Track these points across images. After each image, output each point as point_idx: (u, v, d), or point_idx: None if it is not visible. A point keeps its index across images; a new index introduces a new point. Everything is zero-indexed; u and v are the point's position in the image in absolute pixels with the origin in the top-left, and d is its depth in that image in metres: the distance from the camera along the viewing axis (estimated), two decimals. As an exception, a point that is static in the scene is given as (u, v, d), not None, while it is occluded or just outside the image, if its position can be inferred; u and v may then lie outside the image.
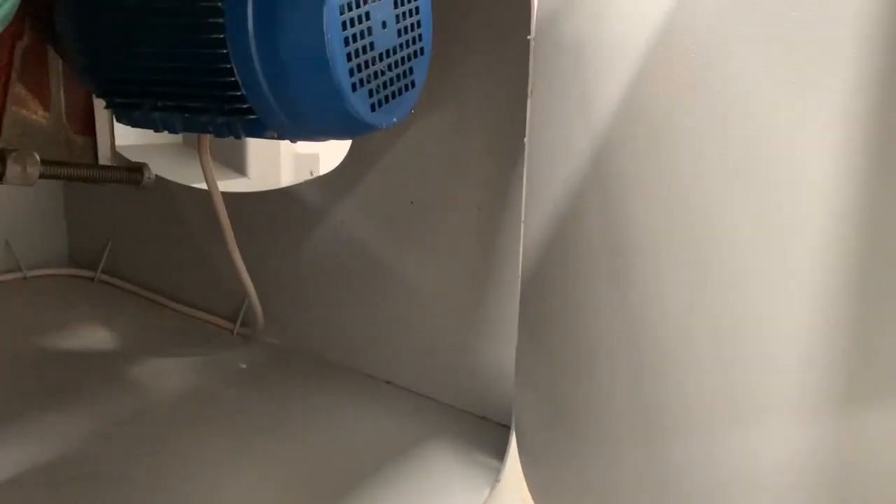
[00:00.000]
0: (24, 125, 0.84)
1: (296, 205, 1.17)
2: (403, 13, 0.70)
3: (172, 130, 0.75)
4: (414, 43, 0.72)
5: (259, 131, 0.70)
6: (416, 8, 0.72)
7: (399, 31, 0.69)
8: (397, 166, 1.06)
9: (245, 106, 0.67)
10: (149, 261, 1.38)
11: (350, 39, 0.63)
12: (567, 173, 0.81)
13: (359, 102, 0.65)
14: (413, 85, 0.73)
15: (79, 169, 0.87)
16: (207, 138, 0.99)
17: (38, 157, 0.80)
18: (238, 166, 1.57)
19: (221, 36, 0.63)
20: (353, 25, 0.63)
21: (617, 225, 0.75)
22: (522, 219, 0.85)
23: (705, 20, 0.65)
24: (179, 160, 1.47)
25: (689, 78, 0.65)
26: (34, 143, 0.83)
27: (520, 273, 0.86)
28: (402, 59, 0.71)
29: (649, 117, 0.69)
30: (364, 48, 0.65)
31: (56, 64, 0.86)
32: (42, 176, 0.81)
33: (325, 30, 0.60)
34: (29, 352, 1.13)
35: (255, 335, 1.23)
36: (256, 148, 1.53)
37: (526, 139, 0.86)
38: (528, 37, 0.84)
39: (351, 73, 0.63)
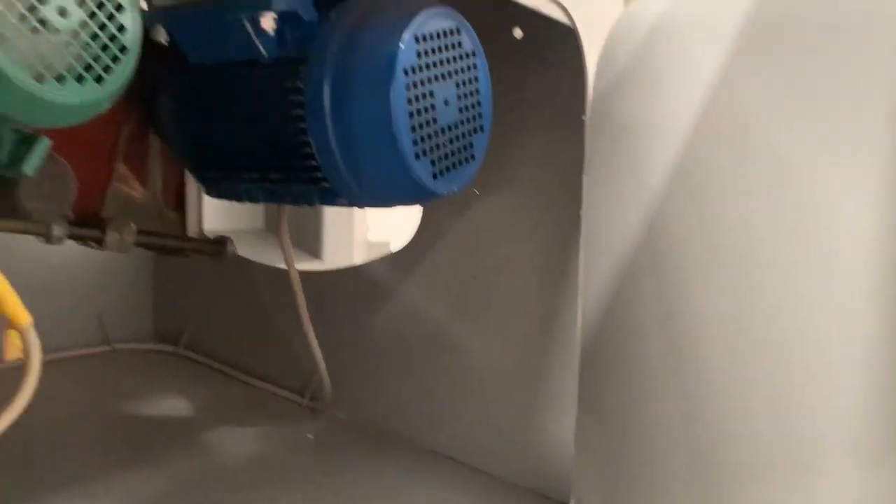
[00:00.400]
0: (124, 200, 0.94)
1: (365, 281, 1.23)
2: (465, 93, 0.76)
3: (254, 200, 0.83)
4: (474, 120, 0.78)
5: (332, 199, 0.77)
6: (477, 89, 0.78)
7: (460, 109, 0.76)
8: (460, 243, 1.11)
9: (320, 175, 0.73)
10: (227, 336, 1.45)
11: (414, 114, 0.69)
12: (621, 243, 0.84)
13: (422, 171, 0.71)
14: (473, 158, 0.79)
15: (169, 239, 0.95)
16: (286, 216, 1.07)
17: (134, 227, 0.88)
18: (314, 251, 1.65)
19: (301, 113, 0.71)
20: (417, 101, 0.69)
21: (670, 292, 0.77)
22: (580, 291, 0.88)
23: (748, 95, 0.69)
24: (260, 243, 1.57)
25: (733, 147, 0.69)
26: (132, 216, 0.92)
27: (579, 345, 0.88)
28: (463, 133, 0.77)
29: (696, 185, 0.72)
30: (427, 122, 0.71)
31: (156, 146, 0.96)
32: (136, 244, 0.90)
33: (391, 106, 0.67)
34: (113, 418, 1.20)
35: (323, 408, 1.27)
36: (331, 233, 1.61)
37: (582, 212, 0.90)
38: (583, 116, 0.89)
39: (415, 143, 0.69)
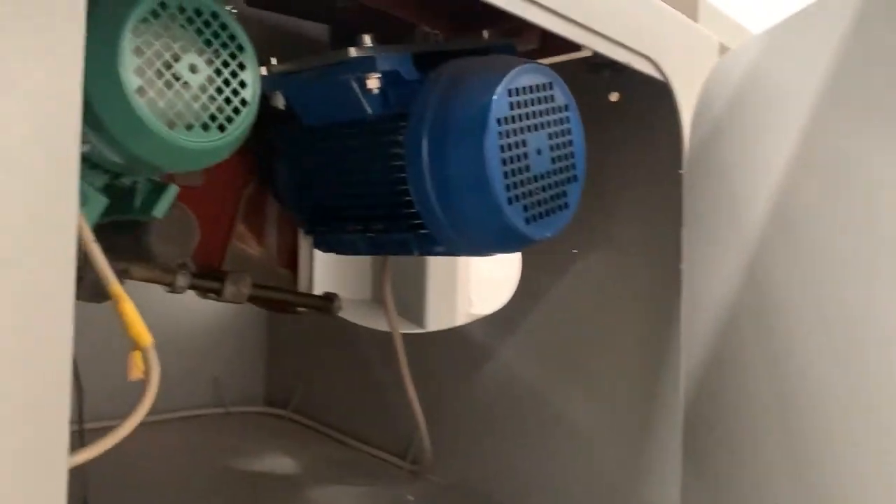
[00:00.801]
0: (242, 257, 1.01)
1: (465, 343, 1.25)
2: (558, 144, 0.79)
3: (358, 252, 0.87)
4: (567, 170, 0.80)
5: (429, 247, 0.80)
6: (570, 140, 0.81)
7: (553, 159, 0.78)
8: (559, 305, 1.12)
9: (418, 222, 0.77)
10: (333, 400, 1.49)
11: (507, 161, 0.72)
12: (722, 294, 0.83)
13: (514, 215, 0.73)
14: (567, 206, 0.81)
15: (281, 293, 1.01)
16: (389, 276, 1.11)
17: (249, 280, 0.94)
18: (418, 318, 1.69)
19: (402, 164, 0.76)
20: (510, 149, 0.73)
21: (773, 338, 0.75)
22: (682, 348, 0.86)
23: (844, 128, 0.68)
24: (366, 311, 1.62)
25: (831, 181, 0.67)
26: (248, 271, 0.99)
27: (682, 405, 0.86)
28: (557, 182, 0.79)
29: (794, 222, 0.71)
30: (520, 170, 0.74)
31: (272, 208, 1.04)
32: (251, 296, 0.96)
33: (485, 153, 0.71)
34: (221, 476, 1.25)
35: (423, 471, 1.27)
36: (435, 300, 1.65)
37: (682, 266, 0.89)
38: (680, 171, 0.90)
39: (507, 189, 0.72)
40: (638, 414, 1.00)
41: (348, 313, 1.41)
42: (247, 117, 0.64)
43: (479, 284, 1.71)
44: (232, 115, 0.63)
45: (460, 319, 1.61)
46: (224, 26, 0.63)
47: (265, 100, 0.84)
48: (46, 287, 0.43)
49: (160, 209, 0.68)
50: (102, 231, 0.77)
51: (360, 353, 1.44)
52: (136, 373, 0.57)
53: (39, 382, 0.42)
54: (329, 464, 1.35)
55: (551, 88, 0.78)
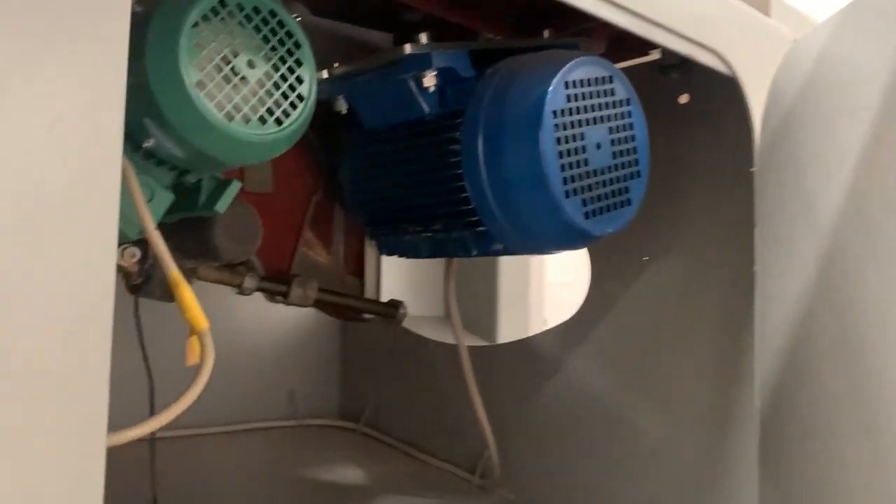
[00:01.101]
0: (310, 264, 1.03)
1: (533, 355, 1.23)
2: (619, 138, 0.77)
3: (419, 254, 0.88)
4: (629, 165, 0.78)
5: (487, 245, 0.80)
6: (632, 136, 0.79)
7: (614, 153, 0.77)
8: (629, 313, 1.09)
9: (475, 219, 0.77)
10: (404, 413, 1.49)
11: (565, 154, 0.71)
12: (797, 294, 0.78)
13: (573, 210, 0.72)
14: (629, 203, 0.78)
15: (347, 298, 1.02)
16: (453, 287, 1.11)
17: (316, 284, 0.96)
18: (489, 332, 1.68)
19: (458, 160, 0.76)
20: (566, 142, 0.72)
21: (850, 336, 0.70)
22: (756, 353, 0.82)
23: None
24: (437, 326, 1.63)
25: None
26: (315, 277, 1.00)
27: (758, 414, 0.82)
28: (618, 178, 0.77)
29: (871, 218, 0.66)
30: (578, 163, 0.73)
31: (340, 216, 1.06)
32: (317, 301, 0.97)
33: (540, 145, 0.70)
34: (290, 489, 1.26)
35: (492, 486, 1.25)
36: (506, 314, 1.64)
37: (756, 268, 0.85)
38: (752, 169, 0.86)
39: (564, 182, 0.71)
40: (712, 425, 0.95)
41: (420, 328, 1.42)
42: (303, 112, 0.65)
43: (549, 294, 1.69)
44: (289, 109, 0.65)
45: (531, 331, 1.59)
46: (282, 24, 0.65)
47: (329, 106, 0.86)
48: (88, 265, 0.44)
49: (223, 203, 0.70)
50: (171, 233, 0.80)
51: (431, 366, 1.44)
52: (192, 358, 0.58)
53: (78, 361, 0.43)
54: (398, 478, 1.34)
55: (611, 82, 0.77)
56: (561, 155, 0.71)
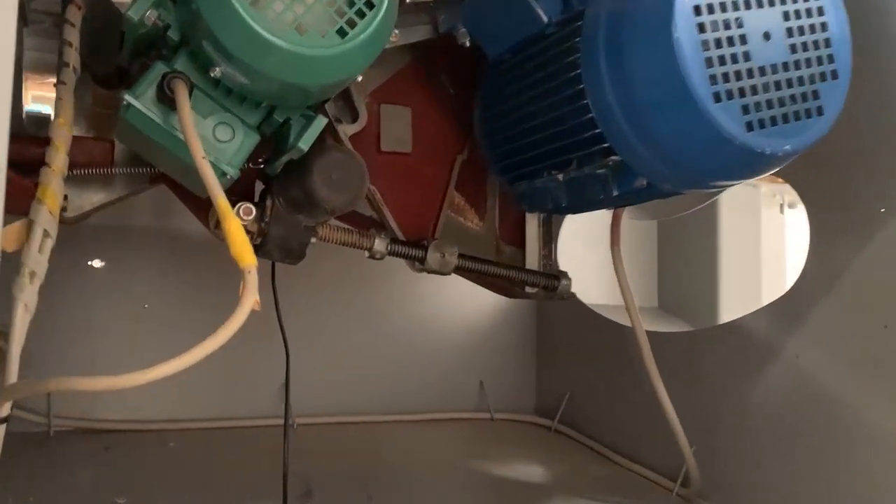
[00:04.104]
0: (458, 231, 0.93)
1: (741, 341, 1.01)
2: (801, 27, 0.58)
3: (558, 206, 0.74)
4: (818, 63, 0.58)
5: (630, 181, 0.64)
6: (823, 24, 0.58)
7: (793, 47, 0.57)
8: (860, 284, 0.84)
9: (607, 145, 0.62)
10: (602, 413, 1.33)
11: (711, 44, 0.54)
12: None
13: (726, 118, 0.54)
14: (820, 112, 0.58)
15: (493, 266, 0.90)
16: (619, 252, 0.96)
17: (456, 249, 0.86)
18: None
19: (579, 72, 0.61)
20: (714, 29, 0.54)
21: None
22: None
23: None
24: (649, 318, 1.45)
25: None
26: (466, 246, 0.90)
27: None
28: (800, 78, 0.57)
29: None
30: (732, 58, 0.55)
31: (493, 180, 0.95)
32: (459, 267, 0.87)
33: (673, 35, 0.53)
34: (472, 482, 1.17)
35: (692, 496, 1.05)
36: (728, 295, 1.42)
37: None
38: None
39: (713, 81, 0.54)
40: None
41: (620, 317, 1.26)
42: (372, 21, 0.56)
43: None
44: (355, 18, 0.56)
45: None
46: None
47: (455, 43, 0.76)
48: None
49: (307, 140, 0.63)
50: (283, 187, 0.75)
51: (631, 360, 1.26)
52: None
53: None
54: (592, 481, 1.20)
55: (783, -54, 0.57)
56: (706, 46, 0.54)
